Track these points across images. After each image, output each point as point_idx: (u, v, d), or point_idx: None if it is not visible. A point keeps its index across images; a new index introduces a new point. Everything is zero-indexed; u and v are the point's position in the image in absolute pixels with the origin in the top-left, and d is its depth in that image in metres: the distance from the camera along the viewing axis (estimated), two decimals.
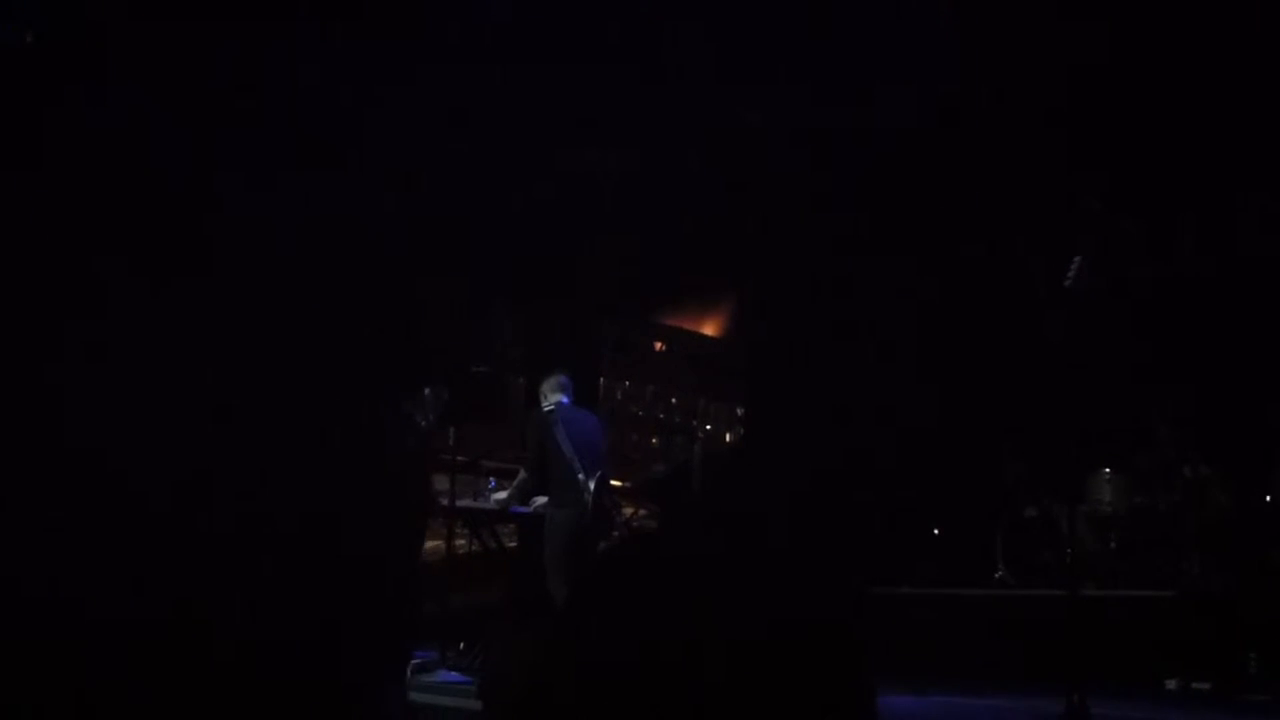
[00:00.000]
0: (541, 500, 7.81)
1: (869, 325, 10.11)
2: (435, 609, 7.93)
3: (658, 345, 13.12)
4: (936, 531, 9.82)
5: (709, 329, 13.27)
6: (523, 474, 7.81)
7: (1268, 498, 7.63)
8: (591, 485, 7.32)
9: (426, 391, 7.13)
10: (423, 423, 7.14)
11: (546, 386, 7.79)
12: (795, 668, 1.24)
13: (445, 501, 7.90)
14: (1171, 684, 7.04)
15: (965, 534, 9.39)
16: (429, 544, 9.46)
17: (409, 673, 6.81)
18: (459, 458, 8.14)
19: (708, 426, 13.13)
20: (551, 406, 7.62)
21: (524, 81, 8.70)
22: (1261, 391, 7.45)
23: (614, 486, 8.38)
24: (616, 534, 7.89)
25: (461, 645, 7.87)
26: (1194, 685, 6.99)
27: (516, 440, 9.59)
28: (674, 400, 13.07)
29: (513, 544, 8.97)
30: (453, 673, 7.39)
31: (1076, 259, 5.92)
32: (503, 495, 8.02)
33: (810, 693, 1.23)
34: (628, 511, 9.61)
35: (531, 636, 6.38)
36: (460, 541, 8.62)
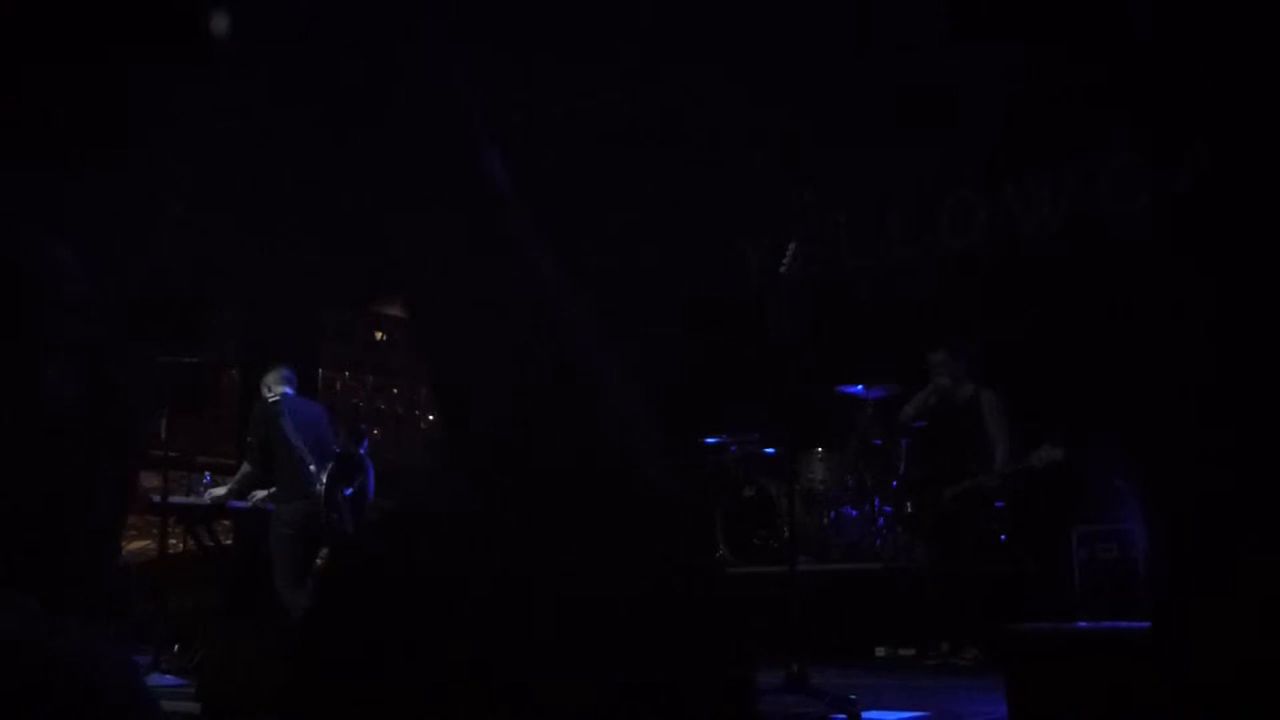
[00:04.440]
0: (260, 494, 7.58)
1: (595, 312, 10.23)
2: (149, 610, 7.59)
3: (378, 335, 12.90)
4: None
5: None
6: (245, 467, 7.56)
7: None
8: (324, 478, 7.16)
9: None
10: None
11: (270, 379, 7.56)
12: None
13: (157, 498, 7.56)
14: (881, 651, 7.46)
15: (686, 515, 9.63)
16: (138, 544, 9.03)
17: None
18: (171, 453, 7.80)
19: (430, 417, 13.04)
20: (277, 398, 7.40)
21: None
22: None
23: None
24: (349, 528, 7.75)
25: (176, 647, 7.57)
26: (900, 651, 7.42)
27: (232, 434, 9.26)
28: (395, 391, 12.90)
29: (228, 541, 8.66)
30: (167, 675, 7.09)
31: (791, 246, 6.14)
32: (220, 491, 7.74)
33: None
34: None
35: (255, 634, 6.18)
36: (173, 540, 8.28)
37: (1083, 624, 5.53)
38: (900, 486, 8.25)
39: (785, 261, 6.29)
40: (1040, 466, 7.08)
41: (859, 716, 4.78)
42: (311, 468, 7.16)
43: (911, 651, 7.34)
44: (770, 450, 8.99)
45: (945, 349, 7.66)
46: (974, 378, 7.64)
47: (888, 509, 8.36)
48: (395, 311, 12.80)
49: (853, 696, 4.91)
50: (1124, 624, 4.77)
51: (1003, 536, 7.94)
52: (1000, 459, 7.34)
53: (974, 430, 7.49)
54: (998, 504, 8.12)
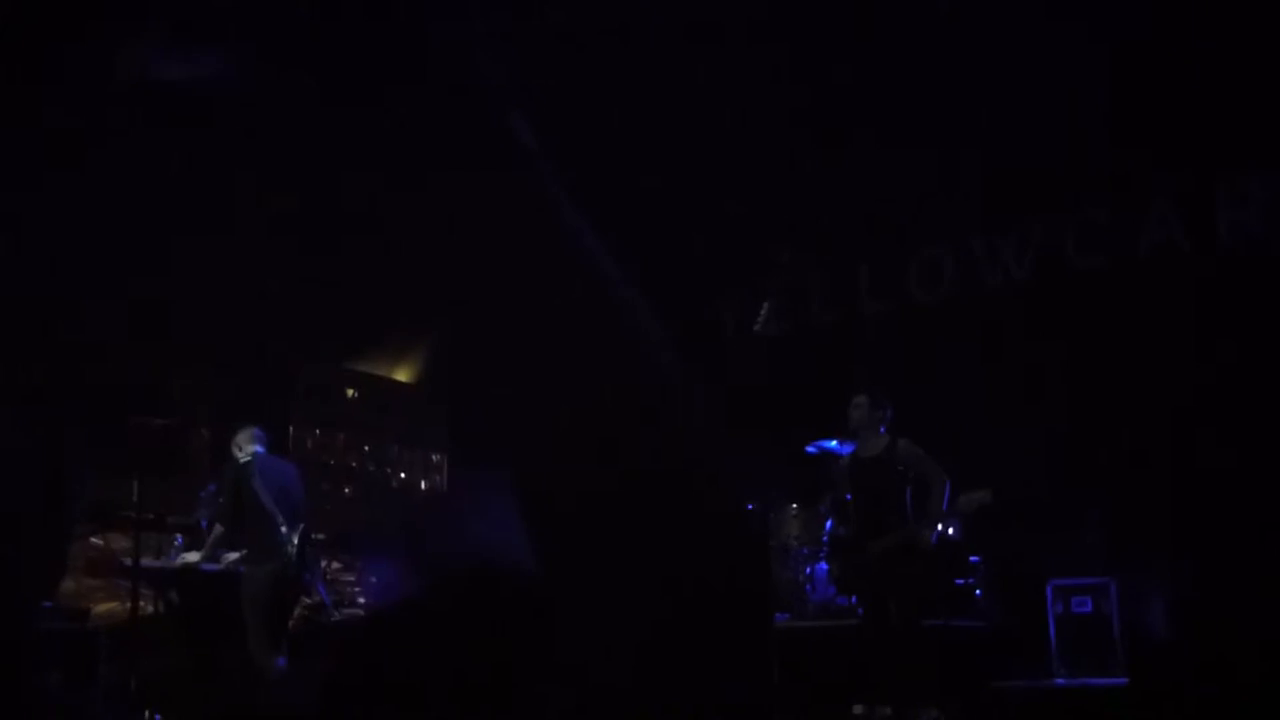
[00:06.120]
0: (232, 556, 7.50)
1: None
2: (117, 675, 7.47)
3: (349, 392, 12.83)
4: None
5: (402, 375, 13.11)
6: (217, 529, 7.48)
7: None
8: (295, 539, 7.09)
9: None
10: None
11: (241, 438, 7.51)
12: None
13: (127, 561, 7.47)
14: (859, 709, 7.36)
15: None
16: (106, 607, 8.91)
17: None
18: (145, 515, 7.72)
19: (402, 474, 12.95)
20: (248, 458, 7.34)
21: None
22: (935, 428, 7.84)
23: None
24: (320, 588, 7.68)
25: (146, 713, 7.44)
26: (878, 709, 7.33)
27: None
28: (366, 448, 12.80)
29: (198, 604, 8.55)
30: None
31: (766, 304, 6.17)
32: (193, 556, 7.65)
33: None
34: (322, 564, 9.35)
35: (225, 699, 6.08)
36: (143, 604, 8.16)
37: (1060, 680, 5.55)
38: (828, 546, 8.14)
39: (760, 319, 6.30)
40: (969, 511, 6.92)
41: None
42: (283, 529, 7.09)
43: (889, 710, 7.24)
44: (749, 506, 8.93)
45: (867, 395, 7.46)
46: (892, 429, 7.41)
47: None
48: (367, 368, 12.76)
49: None
50: (1102, 680, 4.78)
51: (978, 592, 7.93)
52: (934, 504, 6.98)
53: (890, 482, 7.17)
54: (972, 559, 8.10)
